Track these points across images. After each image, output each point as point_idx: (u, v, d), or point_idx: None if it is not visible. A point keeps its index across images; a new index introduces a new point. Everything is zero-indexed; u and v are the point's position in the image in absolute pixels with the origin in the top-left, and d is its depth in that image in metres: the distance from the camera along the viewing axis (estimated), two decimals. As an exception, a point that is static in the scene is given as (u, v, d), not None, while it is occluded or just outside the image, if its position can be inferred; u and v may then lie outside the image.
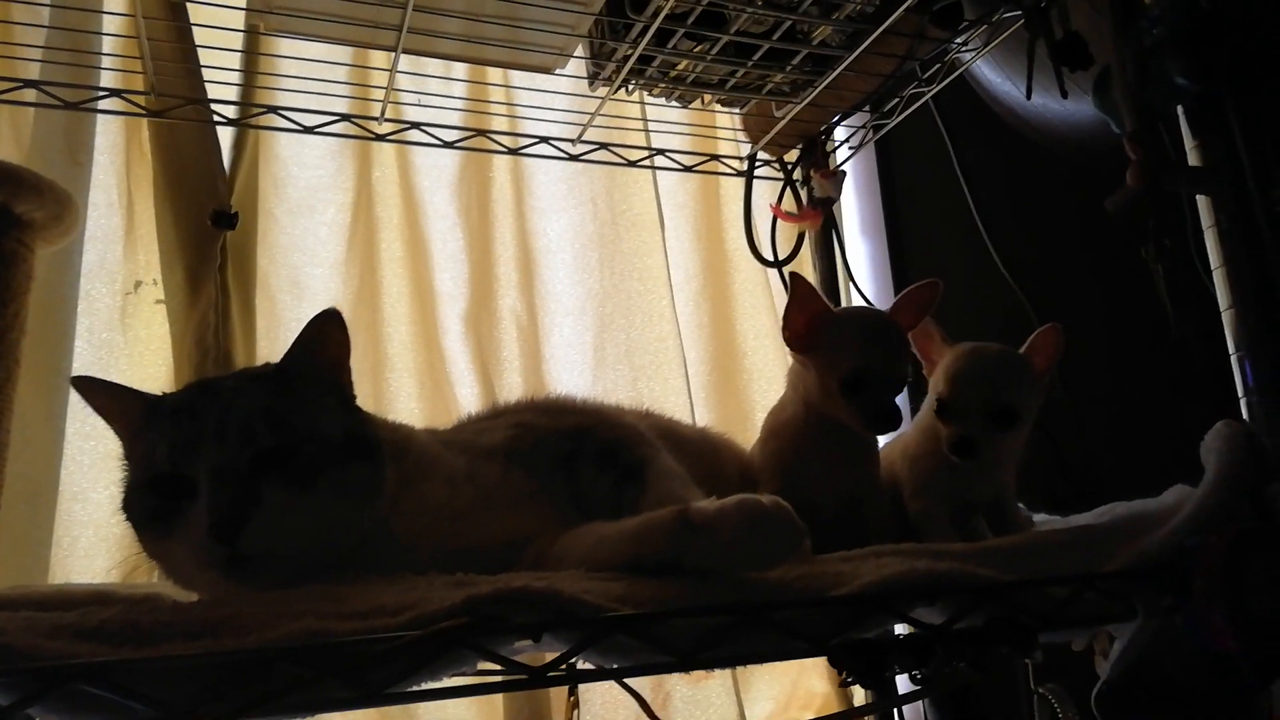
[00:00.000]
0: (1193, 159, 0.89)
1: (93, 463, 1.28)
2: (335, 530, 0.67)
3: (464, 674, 0.56)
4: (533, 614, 0.55)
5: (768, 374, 1.67)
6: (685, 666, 0.58)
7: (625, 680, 0.59)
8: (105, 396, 0.71)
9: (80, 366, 1.29)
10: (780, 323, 0.97)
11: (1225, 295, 0.86)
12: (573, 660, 0.56)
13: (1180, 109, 0.90)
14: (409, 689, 0.53)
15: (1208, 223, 0.87)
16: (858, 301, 1.60)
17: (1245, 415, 0.85)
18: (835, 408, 0.92)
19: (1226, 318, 0.86)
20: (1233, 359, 0.86)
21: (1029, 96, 1.03)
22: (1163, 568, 0.70)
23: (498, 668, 0.54)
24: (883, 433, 0.94)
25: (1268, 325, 0.83)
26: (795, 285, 0.94)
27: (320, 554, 0.66)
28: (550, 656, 0.56)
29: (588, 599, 0.56)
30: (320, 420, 0.69)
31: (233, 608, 0.55)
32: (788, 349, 0.97)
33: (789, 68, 1.30)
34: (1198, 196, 0.89)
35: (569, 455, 0.81)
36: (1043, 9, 0.99)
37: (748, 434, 1.30)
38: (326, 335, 0.72)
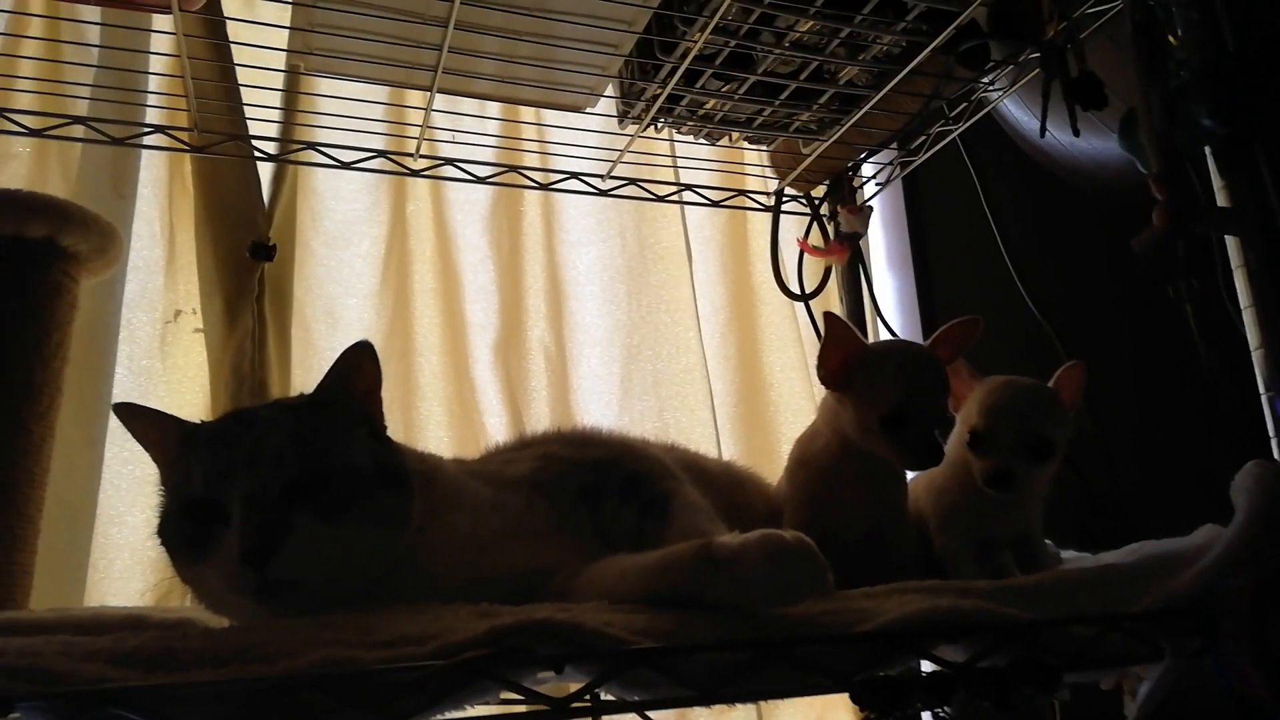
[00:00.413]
0: (1221, 199, 0.89)
1: (130, 487, 1.31)
2: (364, 559, 0.68)
3: (487, 704, 0.57)
4: (555, 645, 0.55)
5: (794, 406, 1.67)
6: (707, 701, 0.58)
7: (648, 713, 0.59)
8: (145, 423, 0.73)
9: (120, 393, 1.33)
10: (806, 356, 0.96)
11: (1255, 335, 0.85)
12: (596, 691, 0.56)
13: (1208, 150, 0.90)
14: (433, 719, 0.53)
15: (1237, 262, 0.87)
16: (884, 336, 1.60)
17: (1276, 455, 0.84)
18: (874, 444, 0.90)
19: (1256, 357, 0.85)
20: (1264, 399, 0.85)
21: (1043, 134, 1.04)
22: (1190, 609, 0.69)
23: (521, 698, 0.55)
24: (924, 469, 0.94)
25: (1298, 365, 0.82)
26: (830, 324, 0.93)
27: (349, 582, 0.68)
28: (573, 688, 0.56)
29: (610, 631, 0.57)
30: (351, 450, 0.70)
31: (261, 635, 0.56)
32: (823, 386, 0.95)
33: (815, 106, 1.32)
34: (1227, 236, 0.88)
35: (593, 487, 0.82)
36: (1059, 49, 0.99)
37: (774, 466, 1.29)
38: (359, 367, 0.74)
